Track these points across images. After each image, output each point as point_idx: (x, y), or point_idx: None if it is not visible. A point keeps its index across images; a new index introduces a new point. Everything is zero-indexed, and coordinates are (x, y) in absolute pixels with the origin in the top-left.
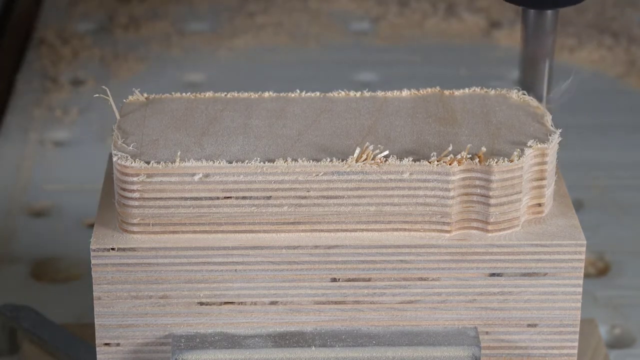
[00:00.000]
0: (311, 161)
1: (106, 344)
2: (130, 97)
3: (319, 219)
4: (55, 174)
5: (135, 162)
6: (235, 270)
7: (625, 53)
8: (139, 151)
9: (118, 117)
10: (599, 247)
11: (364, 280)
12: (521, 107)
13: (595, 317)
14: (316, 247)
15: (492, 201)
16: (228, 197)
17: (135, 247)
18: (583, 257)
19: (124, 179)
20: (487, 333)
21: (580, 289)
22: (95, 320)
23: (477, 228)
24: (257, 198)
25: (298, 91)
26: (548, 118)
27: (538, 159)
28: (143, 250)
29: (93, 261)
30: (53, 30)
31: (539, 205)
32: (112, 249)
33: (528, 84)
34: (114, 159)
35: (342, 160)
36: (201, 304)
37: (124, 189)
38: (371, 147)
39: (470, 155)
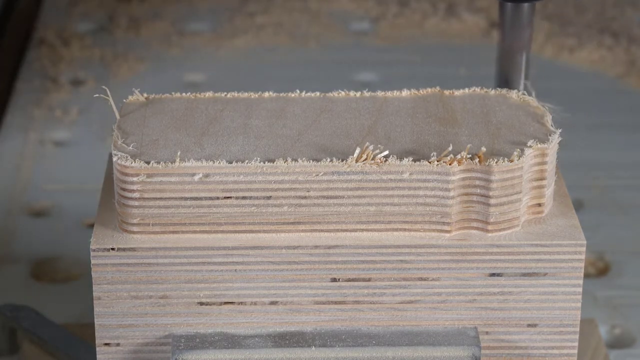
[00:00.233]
0: (311, 161)
1: (106, 344)
2: (130, 97)
3: (319, 219)
4: (55, 174)
5: (135, 162)
6: (235, 270)
7: (625, 53)
8: (139, 151)
9: (118, 117)
10: (599, 247)
11: (364, 280)
12: (521, 107)
13: (595, 317)
14: (316, 247)
15: (492, 201)
16: (228, 197)
17: (135, 247)
18: (583, 257)
19: (124, 179)
20: (487, 333)
21: (580, 289)
22: (95, 320)
23: (477, 228)
24: (257, 198)
25: (298, 91)
26: (548, 118)
27: (538, 159)
28: (143, 250)
29: (93, 261)
30: (53, 30)
31: (539, 205)
32: (112, 249)
33: (505, 77)
34: (114, 159)
35: (342, 160)
36: (201, 304)
37: (124, 189)
38: (371, 147)
39: (470, 155)
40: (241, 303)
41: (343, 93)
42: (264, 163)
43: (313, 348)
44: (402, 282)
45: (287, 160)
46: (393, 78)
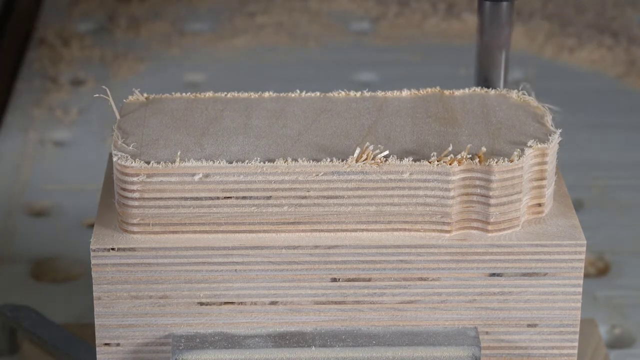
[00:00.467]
0: (311, 161)
1: (106, 344)
2: (130, 97)
3: (319, 219)
4: (55, 174)
5: (135, 162)
6: (235, 270)
7: (625, 53)
8: (139, 151)
9: (118, 117)
10: (599, 247)
11: (364, 280)
12: (521, 107)
13: (595, 317)
14: (316, 247)
15: (492, 201)
16: (228, 197)
17: (135, 247)
18: (583, 257)
19: (124, 179)
20: (487, 333)
21: (580, 289)
22: (95, 320)
23: (477, 228)
24: (257, 198)
25: (298, 91)
26: (548, 118)
27: (538, 159)
28: (143, 250)
29: (93, 261)
30: (53, 30)
31: (539, 205)
32: (112, 249)
33: (484, 75)
34: (114, 159)
35: (342, 160)
36: (201, 304)
37: (124, 189)
38: (371, 147)
39: (470, 155)
40: (241, 303)
41: (343, 93)
42: (264, 163)
43: (313, 348)
44: (402, 282)
45: (287, 160)
46: (393, 78)
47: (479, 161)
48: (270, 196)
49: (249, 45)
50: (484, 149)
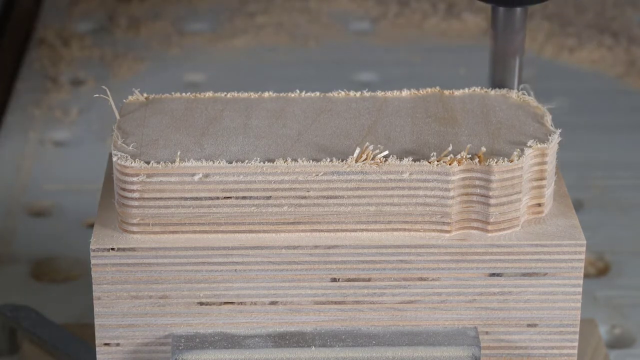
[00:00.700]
0: (311, 161)
1: (106, 344)
2: (130, 97)
3: (319, 219)
4: (55, 174)
5: (135, 162)
6: (235, 270)
7: (625, 53)
8: (139, 151)
9: (118, 117)
10: (599, 247)
11: (364, 280)
12: (521, 107)
13: (595, 317)
14: (316, 247)
15: (492, 201)
16: (228, 197)
17: (135, 247)
18: (583, 257)
19: (124, 179)
20: (487, 333)
21: (580, 289)
22: (95, 320)
23: (477, 228)
24: (257, 198)
25: (298, 91)
26: (548, 118)
27: (538, 159)
28: (143, 250)
29: (93, 261)
30: (53, 30)
31: (539, 205)
32: (112, 249)
33: (498, 82)
34: (114, 159)
35: (342, 160)
36: (201, 304)
37: (124, 189)
38: (371, 147)
39: (470, 155)
40: (241, 303)
41: (343, 93)
42: (264, 163)
43: (313, 348)
44: (402, 282)
45: (287, 160)
46: (393, 78)
47: (479, 161)
48: (270, 196)
49: (249, 45)
50: (483, 149)
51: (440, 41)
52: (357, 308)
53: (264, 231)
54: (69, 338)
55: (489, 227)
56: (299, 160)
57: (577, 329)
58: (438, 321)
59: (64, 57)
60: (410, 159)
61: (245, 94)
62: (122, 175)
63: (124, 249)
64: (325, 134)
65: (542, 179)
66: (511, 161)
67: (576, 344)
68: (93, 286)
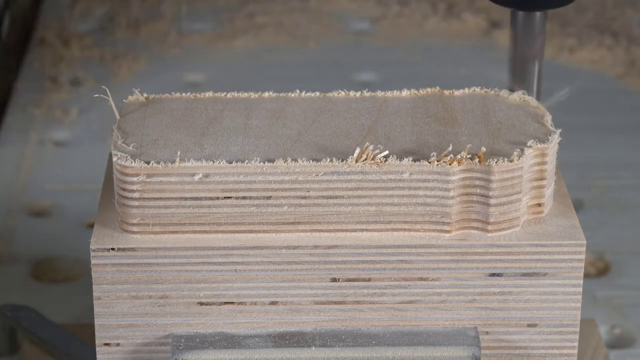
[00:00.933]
0: (311, 161)
1: (106, 344)
2: (130, 97)
3: (319, 219)
4: (55, 174)
5: (135, 162)
6: (235, 270)
7: (625, 53)
8: (139, 151)
9: (118, 117)
10: (599, 247)
11: (364, 280)
12: (521, 107)
13: (595, 317)
14: (316, 247)
15: (492, 201)
16: (228, 197)
17: (135, 247)
18: (583, 257)
19: (124, 179)
20: (487, 333)
21: (580, 289)
22: (95, 320)
23: (477, 228)
24: (257, 198)
25: (298, 91)
26: (548, 118)
27: (538, 159)
28: (143, 250)
29: (93, 261)
30: (53, 30)
31: (539, 205)
32: (112, 249)
33: (517, 86)
34: (114, 159)
35: (342, 160)
36: (201, 304)
37: (124, 189)
38: (371, 147)
39: (470, 155)
40: (241, 303)
41: (343, 93)
42: (264, 163)
43: (313, 348)
44: (402, 282)
45: (287, 160)
46: (393, 78)
47: (479, 161)
48: (270, 196)
49: (249, 45)
50: (483, 149)
51: (440, 41)
52: (357, 308)
53: (264, 231)
54: (69, 338)
55: (489, 227)
56: (299, 160)
57: (577, 329)
58: (438, 321)
59: (64, 57)
60: (410, 159)
61: (245, 94)
62: (122, 175)
63: (124, 249)
64: (325, 134)
65: (542, 179)
66: (511, 161)
67: (576, 344)
68: (93, 286)
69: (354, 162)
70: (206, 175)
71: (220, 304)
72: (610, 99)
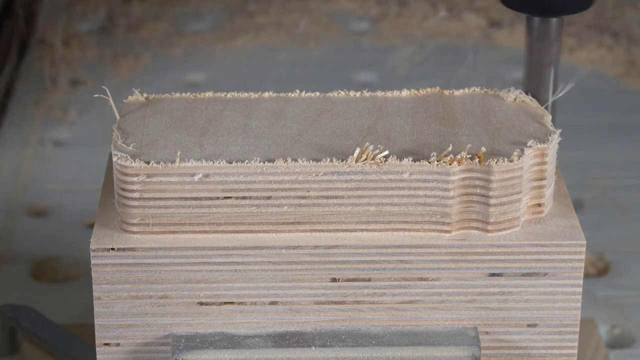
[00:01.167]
0: (311, 161)
1: (106, 344)
2: (130, 97)
3: (319, 219)
4: (55, 174)
5: (135, 162)
6: (235, 270)
7: (625, 53)
8: (139, 151)
9: (118, 117)
10: (599, 247)
11: (364, 280)
12: (521, 107)
13: (595, 317)
14: (316, 247)
15: (492, 201)
16: (228, 197)
17: (135, 247)
18: (583, 257)
19: (124, 179)
20: (487, 333)
21: (580, 289)
22: (95, 320)
23: (477, 228)
24: (257, 198)
25: (298, 91)
26: (548, 118)
27: (538, 159)
28: (143, 250)
29: (93, 261)
30: (53, 30)
31: (539, 205)
32: (112, 249)
33: (533, 91)
34: (114, 159)
35: (342, 160)
36: (201, 304)
37: (124, 189)
38: (371, 147)
39: (470, 155)
40: (241, 303)
41: (343, 93)
42: (264, 163)
43: (313, 348)
44: (402, 282)
45: (287, 160)
46: (393, 78)
47: (479, 161)
48: (270, 196)
49: (249, 45)
50: (483, 149)
51: (440, 41)
52: (357, 308)
53: (264, 231)
54: (69, 338)
55: (489, 227)
56: (299, 160)
57: (577, 329)
58: (438, 321)
59: (64, 57)
60: (410, 159)
61: (245, 94)
62: (122, 175)
63: (124, 249)
64: (325, 134)
65: (542, 179)
66: (511, 161)
67: (576, 344)
68: (93, 286)
69: (354, 162)
70: (206, 175)
71: (220, 304)
72: (610, 99)
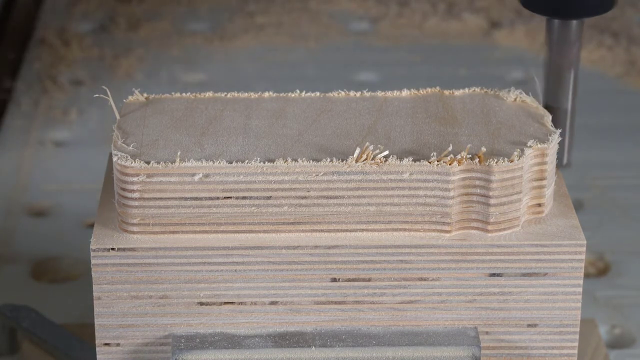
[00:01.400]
0: (311, 161)
1: (106, 344)
2: (130, 97)
3: (319, 219)
4: (55, 174)
5: (135, 162)
6: (235, 270)
7: (625, 53)
8: (139, 151)
9: (118, 117)
10: (599, 247)
11: (364, 280)
12: (521, 107)
13: (595, 317)
14: (316, 247)
15: (492, 201)
16: (228, 197)
17: (135, 247)
18: (583, 257)
19: (124, 179)
20: (487, 333)
21: (580, 289)
22: (95, 320)
23: (477, 228)
24: (257, 198)
25: (298, 91)
26: (548, 118)
27: (538, 159)
28: (143, 250)
29: (93, 261)
30: (53, 30)
31: (539, 205)
32: (112, 249)
33: (553, 94)
34: (114, 159)
35: (342, 160)
36: (201, 304)
37: (124, 189)
38: (371, 147)
39: (470, 155)
40: (241, 303)
41: (343, 93)
42: (264, 163)
43: (313, 348)
44: (402, 282)
45: (287, 160)
46: (393, 78)
47: (479, 161)
48: (270, 196)
49: (249, 45)
50: (483, 149)
51: (440, 41)
52: (357, 308)
53: (264, 231)
54: (69, 338)
55: (489, 227)
56: (299, 160)
57: (577, 329)
58: (438, 321)
59: (64, 57)
60: (411, 159)
61: (245, 94)
62: (122, 175)
63: (124, 249)
64: (326, 134)
65: (542, 179)
66: (511, 161)
67: (576, 344)
68: (93, 286)
69: (354, 162)
70: (206, 175)
71: (220, 304)
72: (610, 99)
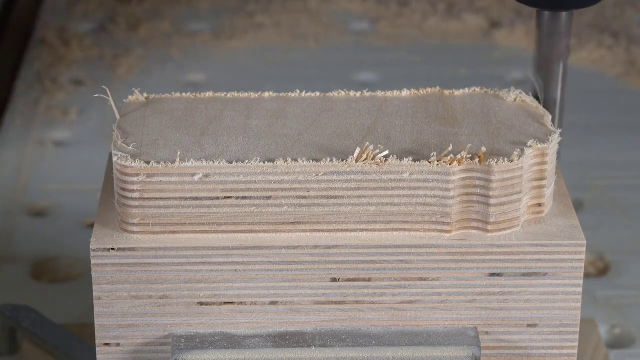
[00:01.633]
0: (311, 161)
1: (106, 344)
2: (130, 97)
3: (319, 219)
4: (55, 174)
5: (135, 162)
6: (235, 270)
7: (625, 53)
8: (139, 151)
9: (118, 117)
10: (599, 247)
11: (364, 280)
12: (521, 107)
13: (595, 317)
14: (316, 247)
15: (492, 201)
16: (228, 197)
17: (135, 247)
18: (583, 257)
19: (124, 179)
20: (487, 333)
21: (580, 289)
22: (95, 320)
23: (477, 228)
24: (257, 198)
25: (298, 91)
26: (548, 118)
27: (538, 159)
28: (143, 250)
29: (93, 261)
30: (53, 30)
31: (539, 205)
32: (112, 249)
33: (542, 86)
34: (114, 159)
35: (342, 160)
36: (201, 304)
37: (124, 189)
38: (371, 147)
39: (470, 155)
40: (241, 303)
41: (343, 93)
42: (264, 163)
43: (313, 348)
44: (402, 282)
45: (287, 160)
46: (393, 78)
47: (479, 161)
48: (270, 196)
49: (249, 45)
50: (484, 149)
51: (440, 41)
52: (357, 308)
53: (264, 231)
54: (69, 338)
55: (489, 227)
56: (299, 160)
57: (577, 329)
58: (438, 321)
59: (64, 57)
60: (411, 159)
61: (245, 94)
62: (122, 175)
63: (124, 249)
64: (326, 134)
65: (542, 179)
66: (511, 161)
67: (576, 344)
68: (93, 286)
69: (354, 162)
70: (206, 175)
71: (220, 304)
72: (610, 99)
